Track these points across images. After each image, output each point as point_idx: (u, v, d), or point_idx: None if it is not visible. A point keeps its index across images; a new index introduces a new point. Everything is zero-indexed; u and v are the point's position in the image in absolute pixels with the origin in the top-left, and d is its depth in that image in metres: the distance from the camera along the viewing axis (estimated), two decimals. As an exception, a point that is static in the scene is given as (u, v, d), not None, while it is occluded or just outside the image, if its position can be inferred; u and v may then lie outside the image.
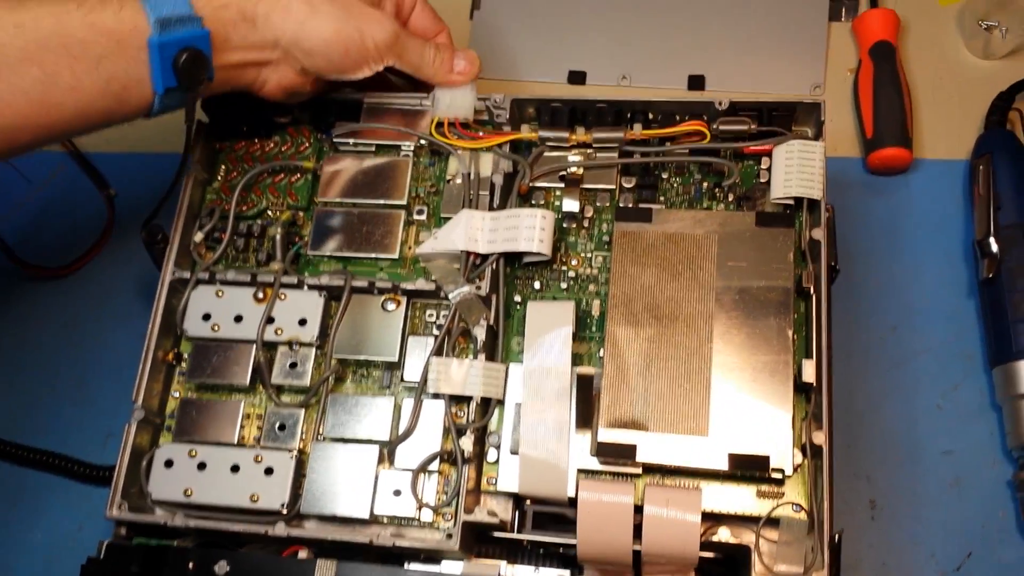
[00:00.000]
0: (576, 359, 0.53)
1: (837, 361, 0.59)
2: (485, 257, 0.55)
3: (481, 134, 0.58)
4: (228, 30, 0.53)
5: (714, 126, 0.56)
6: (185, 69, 0.51)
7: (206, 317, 0.57)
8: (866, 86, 0.64)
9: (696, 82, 0.68)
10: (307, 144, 0.61)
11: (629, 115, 0.58)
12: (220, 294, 0.58)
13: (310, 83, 0.57)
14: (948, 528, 0.56)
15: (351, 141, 0.60)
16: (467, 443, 0.52)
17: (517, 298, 0.56)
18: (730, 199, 0.56)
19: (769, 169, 0.55)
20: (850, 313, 0.61)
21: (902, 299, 0.62)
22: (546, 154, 0.58)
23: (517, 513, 0.53)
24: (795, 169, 0.53)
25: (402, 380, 0.55)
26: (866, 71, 0.65)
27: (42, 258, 0.71)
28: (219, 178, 0.62)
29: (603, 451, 0.50)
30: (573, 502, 0.50)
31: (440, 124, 0.58)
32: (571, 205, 0.57)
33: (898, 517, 0.57)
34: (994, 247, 0.58)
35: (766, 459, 0.48)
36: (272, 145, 0.61)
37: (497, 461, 0.53)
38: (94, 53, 0.49)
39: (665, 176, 0.57)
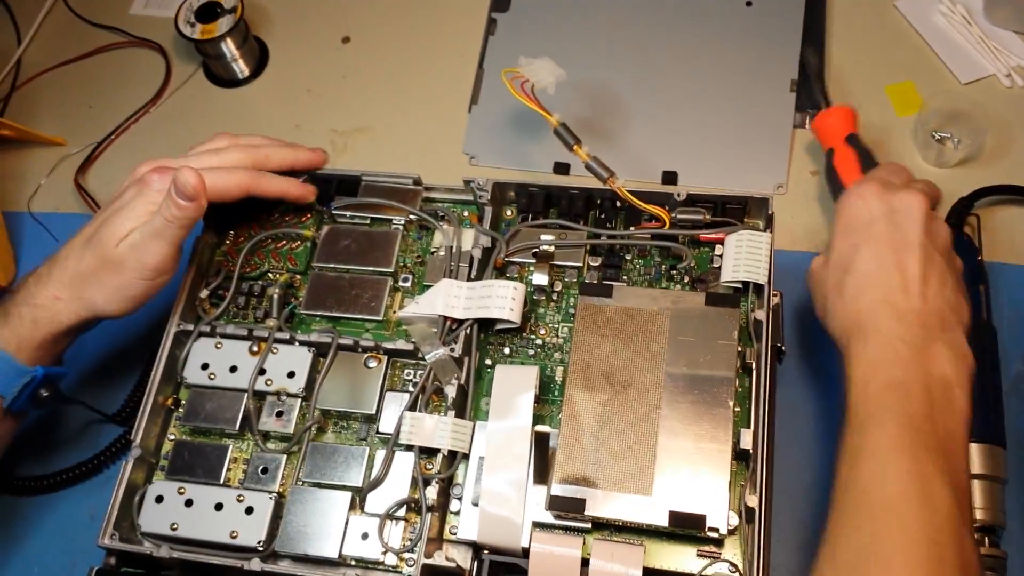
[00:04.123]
0: (537, 420, 0.58)
1: (787, 441, 0.63)
2: (461, 322, 0.60)
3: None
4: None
5: (673, 215, 0.61)
6: (46, 398, 0.62)
7: (204, 366, 0.62)
8: (849, 166, 0.69)
9: (669, 177, 0.74)
10: (309, 215, 0.67)
11: (599, 201, 0.64)
12: (219, 346, 0.63)
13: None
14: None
15: (348, 214, 0.67)
16: (432, 493, 0.56)
17: (488, 362, 0.61)
18: (686, 281, 0.61)
19: (722, 256, 0.60)
20: (803, 397, 0.65)
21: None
22: (521, 232, 0.64)
23: (476, 562, 0.57)
24: (744, 256, 0.59)
25: (378, 432, 0.60)
26: (845, 155, 0.70)
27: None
28: (228, 242, 0.68)
29: (554, 504, 0.54)
30: (527, 553, 0.54)
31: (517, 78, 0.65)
32: (541, 280, 0.62)
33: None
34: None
35: (703, 518, 0.52)
36: (277, 214, 0.68)
37: (459, 512, 0.57)
38: None
39: (628, 257, 0.63)
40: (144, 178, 0.61)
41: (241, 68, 0.86)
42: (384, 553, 0.56)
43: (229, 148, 0.65)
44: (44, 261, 0.63)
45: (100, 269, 0.60)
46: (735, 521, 0.53)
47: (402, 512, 0.57)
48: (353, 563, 0.57)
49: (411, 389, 0.60)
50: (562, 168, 0.76)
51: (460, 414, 0.59)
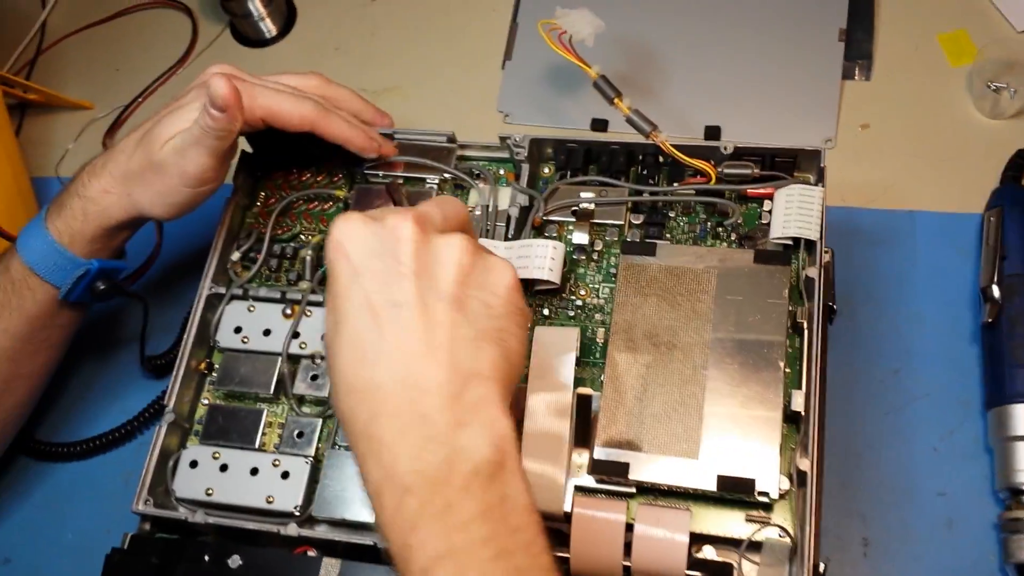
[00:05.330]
0: (578, 383, 0.55)
1: (838, 402, 0.61)
2: (498, 283, 0.58)
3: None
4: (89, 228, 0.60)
5: (720, 169, 0.59)
6: (104, 290, 0.62)
7: (237, 330, 0.61)
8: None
9: (712, 132, 0.71)
10: (340, 175, 0.66)
11: (640, 156, 0.62)
12: (252, 309, 0.62)
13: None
14: (939, 568, 0.57)
15: (380, 173, 0.65)
16: (471, 457, 0.55)
17: (527, 324, 0.59)
18: (733, 238, 0.59)
19: (771, 211, 0.58)
20: (853, 356, 0.63)
21: (905, 344, 0.63)
22: (560, 190, 0.61)
23: (516, 528, 0.55)
24: (794, 211, 0.56)
25: (414, 395, 0.58)
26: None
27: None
28: (258, 204, 0.66)
29: (598, 468, 0.52)
30: (569, 517, 0.53)
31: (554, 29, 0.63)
32: (581, 238, 0.60)
33: (890, 555, 0.58)
34: (996, 294, 0.60)
35: (752, 482, 0.50)
36: (308, 175, 0.66)
37: (499, 476, 0.55)
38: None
39: (672, 215, 0.60)
40: (207, 82, 0.59)
41: (268, 27, 0.84)
42: (423, 518, 0.55)
43: (309, 85, 0.63)
44: (101, 153, 0.62)
45: (145, 170, 0.59)
46: (785, 485, 0.51)
47: (440, 477, 0.56)
48: (391, 528, 0.56)
49: (448, 351, 0.59)
50: (600, 124, 0.74)
51: (499, 377, 0.57)
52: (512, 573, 0.40)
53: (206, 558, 0.55)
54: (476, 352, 0.43)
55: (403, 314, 0.43)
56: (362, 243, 0.45)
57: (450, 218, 0.48)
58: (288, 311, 0.61)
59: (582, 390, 0.55)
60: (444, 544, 0.40)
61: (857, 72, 0.73)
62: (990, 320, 0.60)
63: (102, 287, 0.62)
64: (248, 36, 0.85)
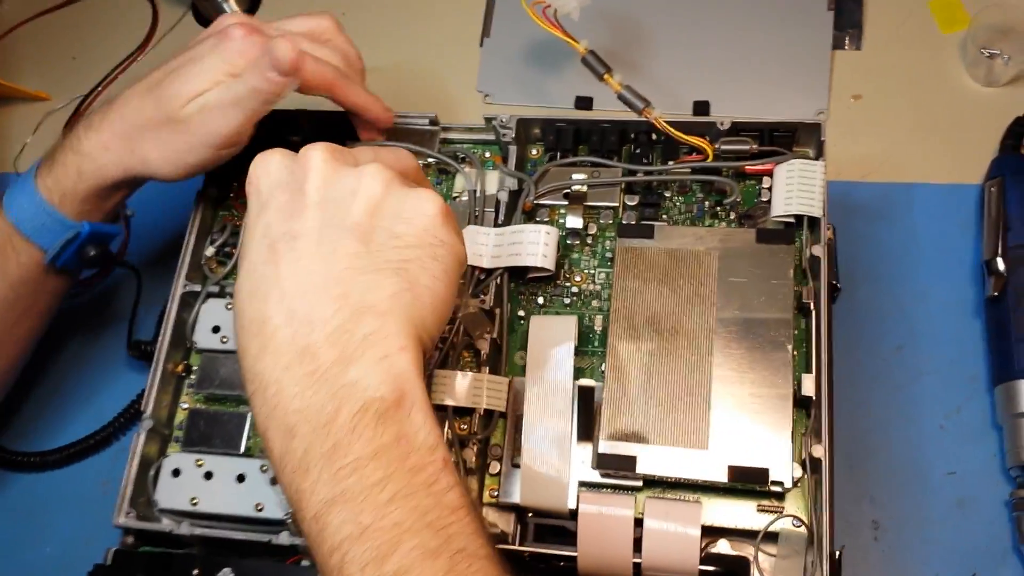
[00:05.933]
0: (578, 373, 0.54)
1: (842, 382, 0.59)
2: (490, 272, 0.56)
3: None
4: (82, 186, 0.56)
5: (716, 146, 0.57)
6: (94, 256, 0.58)
7: (215, 329, 0.58)
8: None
9: (701, 107, 0.69)
10: (318, 163, 0.62)
11: (633, 135, 0.59)
12: (230, 307, 0.59)
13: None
14: (951, 549, 0.55)
15: (361, 159, 0.62)
16: (470, 455, 0.52)
17: (521, 313, 0.57)
18: (732, 217, 0.57)
19: (770, 188, 0.56)
20: (856, 334, 0.61)
21: (908, 321, 0.62)
22: (551, 172, 0.59)
23: (519, 526, 0.53)
24: (795, 187, 0.54)
25: (406, 392, 0.56)
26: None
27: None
28: (231, 195, 0.63)
29: (603, 463, 0.50)
30: (574, 514, 0.51)
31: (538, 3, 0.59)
32: (575, 222, 0.58)
33: (902, 538, 0.56)
34: (1001, 266, 0.59)
35: (765, 471, 0.48)
36: (286, 163, 0.63)
37: (499, 473, 0.53)
38: None
39: (668, 195, 0.58)
40: (227, 31, 0.54)
41: (232, 9, 0.81)
42: (421, 521, 0.53)
43: (326, 42, 0.58)
44: (99, 107, 0.57)
45: (161, 125, 0.54)
46: (798, 473, 0.49)
47: (437, 477, 0.53)
48: (388, 532, 0.53)
49: (440, 345, 0.56)
50: (584, 102, 0.71)
51: (494, 370, 0.55)
52: (412, 514, 0.38)
53: (195, 572, 0.52)
54: (372, 285, 0.41)
55: (299, 246, 0.42)
56: (273, 176, 0.44)
57: (384, 159, 0.46)
58: (269, 308, 0.58)
59: (584, 382, 0.53)
60: (335, 488, 0.38)
61: (847, 42, 0.71)
62: (995, 294, 0.58)
63: (92, 253, 0.58)
64: (211, 19, 0.81)
